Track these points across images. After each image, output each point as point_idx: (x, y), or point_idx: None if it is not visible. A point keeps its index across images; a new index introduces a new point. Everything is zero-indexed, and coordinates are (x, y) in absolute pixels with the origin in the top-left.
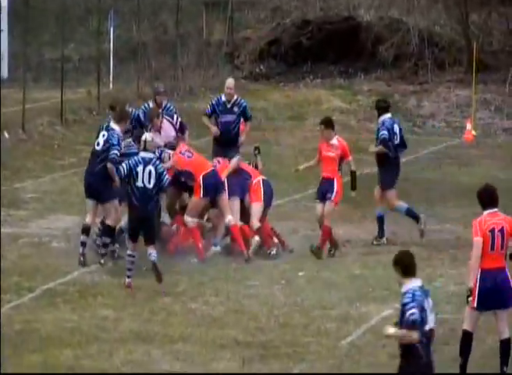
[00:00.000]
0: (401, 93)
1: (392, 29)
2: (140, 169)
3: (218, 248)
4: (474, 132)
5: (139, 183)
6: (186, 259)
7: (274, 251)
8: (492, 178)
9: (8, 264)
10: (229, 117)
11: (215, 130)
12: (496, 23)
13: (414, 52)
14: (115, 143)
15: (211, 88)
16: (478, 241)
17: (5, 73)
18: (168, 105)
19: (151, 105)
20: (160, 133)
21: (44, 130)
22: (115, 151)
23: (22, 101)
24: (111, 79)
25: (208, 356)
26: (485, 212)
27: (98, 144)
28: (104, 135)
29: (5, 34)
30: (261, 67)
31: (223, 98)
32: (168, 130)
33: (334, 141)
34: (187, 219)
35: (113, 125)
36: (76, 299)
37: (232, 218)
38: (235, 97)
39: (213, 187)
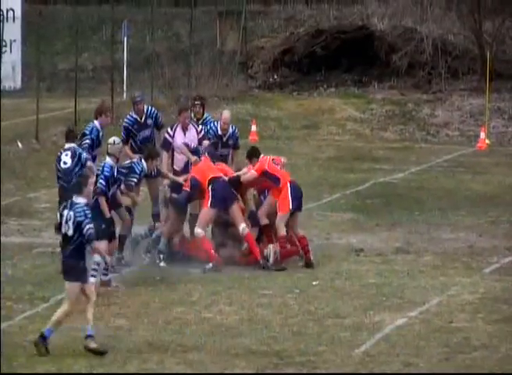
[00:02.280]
0: (415, 102)
1: (405, 38)
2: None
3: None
4: (487, 140)
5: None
6: (200, 268)
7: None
8: (506, 186)
9: (22, 273)
10: (225, 151)
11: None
12: (510, 32)
13: (427, 61)
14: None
15: (224, 98)
16: None
17: (18, 84)
18: (208, 116)
19: (133, 115)
20: (185, 133)
21: (57, 139)
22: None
23: (35, 111)
24: (125, 88)
25: (221, 365)
26: None
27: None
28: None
29: (18, 44)
30: (275, 76)
31: (219, 132)
32: (192, 136)
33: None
34: (197, 230)
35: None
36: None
37: (245, 226)
38: (230, 130)
39: (222, 197)
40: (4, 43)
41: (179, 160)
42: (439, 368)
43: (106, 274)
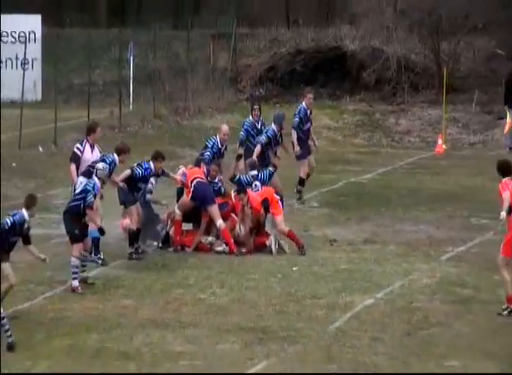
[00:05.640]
0: (381, 112)
1: (373, 57)
2: None
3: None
4: (444, 146)
5: None
6: (196, 257)
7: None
8: (461, 185)
9: None
10: (219, 161)
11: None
12: (464, 51)
13: (392, 77)
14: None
15: (217, 108)
16: (506, 194)
17: (39, 96)
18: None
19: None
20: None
21: (72, 144)
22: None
23: (54, 120)
24: (131, 100)
25: (214, 339)
26: (505, 179)
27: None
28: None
29: (38, 62)
30: (261, 90)
31: (219, 145)
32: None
33: None
34: (176, 211)
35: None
36: (101, 291)
37: (222, 222)
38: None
39: (201, 196)
40: (26, 61)
41: None
42: (402, 342)
43: (84, 271)
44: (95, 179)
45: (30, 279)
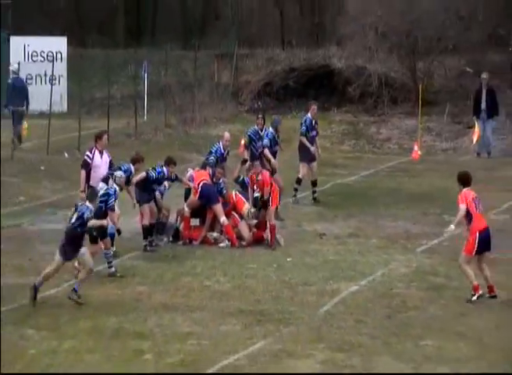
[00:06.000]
0: (364, 122)
1: (357, 74)
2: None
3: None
4: (419, 152)
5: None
6: (202, 249)
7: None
8: (434, 187)
9: None
10: (223, 164)
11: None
12: (437, 69)
13: (374, 92)
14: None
15: (220, 119)
16: (462, 207)
17: (65, 108)
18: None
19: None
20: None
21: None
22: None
23: (78, 129)
24: (145, 112)
25: (218, 321)
26: (465, 189)
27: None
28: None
29: (64, 79)
30: (259, 103)
31: (222, 150)
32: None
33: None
34: (185, 209)
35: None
36: (119, 279)
37: (225, 219)
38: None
39: (206, 195)
40: (54, 77)
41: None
42: (382, 323)
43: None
44: (115, 185)
45: None
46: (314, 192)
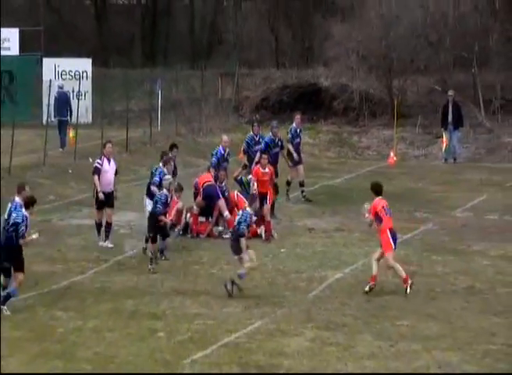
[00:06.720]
0: (348, 132)
1: (341, 90)
2: None
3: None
4: (395, 158)
5: None
6: (209, 241)
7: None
8: (407, 188)
9: (91, 244)
10: (225, 165)
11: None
12: (410, 87)
13: (356, 106)
14: None
15: (224, 129)
16: (370, 217)
17: (89, 119)
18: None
19: None
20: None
21: (115, 156)
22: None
23: (100, 138)
24: (159, 123)
25: (221, 304)
26: (377, 198)
27: None
28: None
29: (89, 94)
30: (257, 115)
31: (222, 151)
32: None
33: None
34: (194, 207)
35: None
36: (136, 267)
37: (228, 214)
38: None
39: (209, 195)
40: (80, 93)
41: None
42: (363, 306)
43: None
44: (164, 190)
45: (82, 258)
46: (302, 191)
